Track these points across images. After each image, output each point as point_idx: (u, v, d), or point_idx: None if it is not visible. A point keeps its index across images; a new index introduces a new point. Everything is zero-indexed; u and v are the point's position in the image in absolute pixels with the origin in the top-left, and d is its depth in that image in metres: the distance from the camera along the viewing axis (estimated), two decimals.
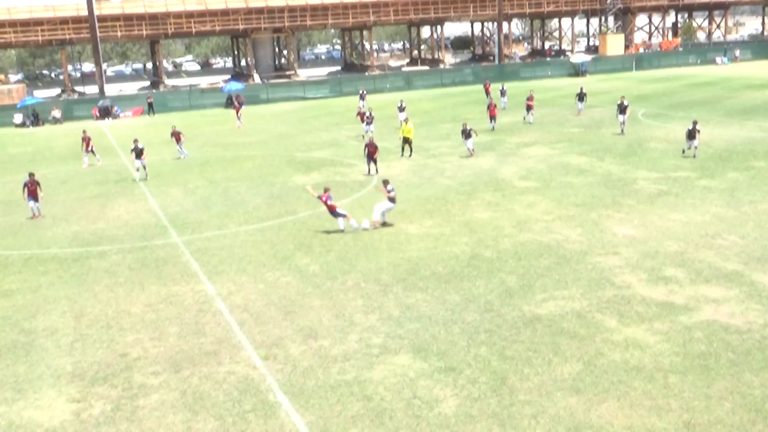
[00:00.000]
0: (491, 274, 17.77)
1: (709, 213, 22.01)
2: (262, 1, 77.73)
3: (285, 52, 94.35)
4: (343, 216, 21.96)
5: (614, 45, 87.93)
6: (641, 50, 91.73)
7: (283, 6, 78.63)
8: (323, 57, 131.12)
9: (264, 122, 51.75)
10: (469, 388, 12.38)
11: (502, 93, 50.21)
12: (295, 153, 37.58)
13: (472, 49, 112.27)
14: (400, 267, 18.66)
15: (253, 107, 62.21)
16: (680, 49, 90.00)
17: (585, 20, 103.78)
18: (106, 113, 59.52)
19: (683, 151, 30.55)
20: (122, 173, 34.52)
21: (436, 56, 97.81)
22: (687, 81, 63.27)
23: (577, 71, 74.84)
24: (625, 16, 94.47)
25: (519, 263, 18.47)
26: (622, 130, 36.58)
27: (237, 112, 49.91)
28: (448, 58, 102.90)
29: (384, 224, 22.34)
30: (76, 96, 76.10)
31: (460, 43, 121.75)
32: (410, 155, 33.98)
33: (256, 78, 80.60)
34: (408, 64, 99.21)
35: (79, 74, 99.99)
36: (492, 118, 40.63)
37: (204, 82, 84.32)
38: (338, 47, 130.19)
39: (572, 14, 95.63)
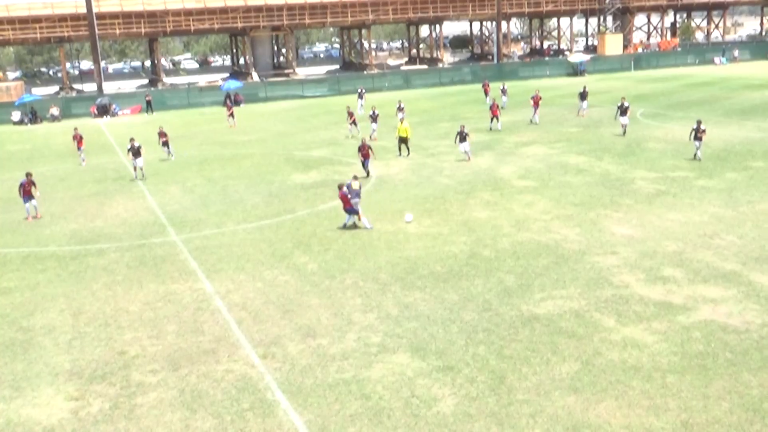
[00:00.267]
0: (489, 274, 17.78)
1: (708, 213, 22.03)
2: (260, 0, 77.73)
3: (284, 50, 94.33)
4: (356, 213, 21.99)
5: (613, 45, 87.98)
6: (640, 50, 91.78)
7: (282, 4, 78.58)
8: (322, 55, 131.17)
9: (262, 121, 51.74)
10: (468, 387, 12.39)
11: (503, 92, 50.16)
12: (293, 151, 37.57)
13: (470, 48, 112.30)
14: (398, 266, 18.67)
15: (252, 105, 62.25)
16: (679, 49, 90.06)
17: (584, 20, 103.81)
18: (104, 111, 59.47)
19: (694, 155, 29.49)
20: (120, 171, 34.49)
21: (434, 55, 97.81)
22: (685, 81, 63.32)
23: (576, 71, 74.87)
24: (623, 16, 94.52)
25: (517, 262, 18.48)
26: (624, 132, 36.18)
27: (230, 111, 49.63)
28: (447, 57, 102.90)
29: (354, 225, 22.34)
30: (74, 94, 76.04)
31: (458, 42, 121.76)
32: (408, 154, 33.99)
33: (255, 76, 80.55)
34: (406, 63, 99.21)
35: (77, 72, 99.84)
36: (495, 118, 40.36)
37: (202, 80, 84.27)
38: (337, 46, 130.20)
39: (571, 14, 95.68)
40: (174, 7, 75.71)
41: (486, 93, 54.29)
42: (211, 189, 29.36)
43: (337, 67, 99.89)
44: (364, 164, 29.68)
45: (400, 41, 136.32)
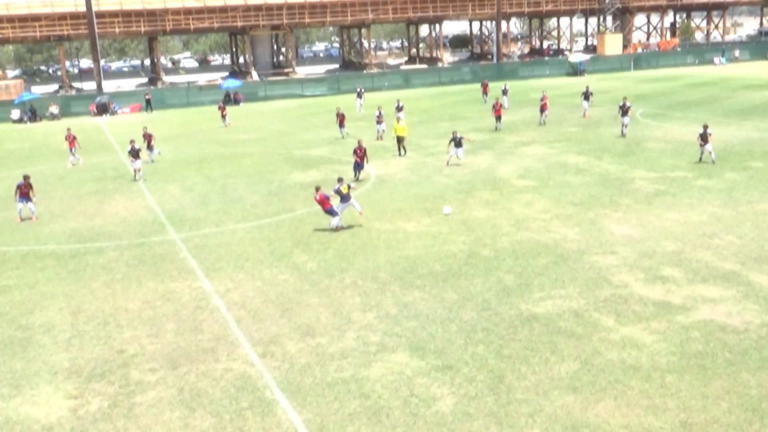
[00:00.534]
0: (489, 273, 17.79)
1: (707, 213, 22.04)
2: None
3: (283, 49, 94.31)
4: (336, 214, 21.88)
5: (612, 45, 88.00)
6: (639, 50, 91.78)
7: (282, 3, 78.57)
8: (321, 55, 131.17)
9: (262, 120, 51.73)
10: (467, 386, 12.39)
11: (504, 92, 50.09)
12: (293, 150, 37.56)
13: (470, 47, 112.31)
14: (397, 265, 18.67)
15: (251, 104, 62.24)
16: (678, 49, 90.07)
17: (583, 20, 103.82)
18: (103, 110, 59.46)
19: (699, 159, 28.91)
20: (120, 170, 34.46)
21: (434, 55, 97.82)
22: (685, 81, 63.35)
23: (576, 71, 74.89)
24: (623, 16, 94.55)
25: (516, 262, 18.48)
26: (624, 133, 35.78)
27: (222, 113, 49.04)
28: (447, 57, 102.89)
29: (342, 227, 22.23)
30: (73, 92, 75.99)
31: (458, 42, 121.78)
32: (404, 153, 33.92)
33: (255, 75, 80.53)
34: (406, 63, 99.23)
35: (77, 70, 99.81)
36: (497, 118, 40.21)
37: (202, 79, 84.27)
38: (336, 45, 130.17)
39: (571, 13, 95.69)
40: (174, 6, 75.69)
41: (485, 93, 54.26)
42: (211, 188, 29.35)
43: (337, 66, 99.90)
44: (357, 167, 28.46)
45: (400, 41, 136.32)
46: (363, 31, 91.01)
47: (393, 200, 25.57)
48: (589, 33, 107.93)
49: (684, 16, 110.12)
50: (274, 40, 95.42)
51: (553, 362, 13.07)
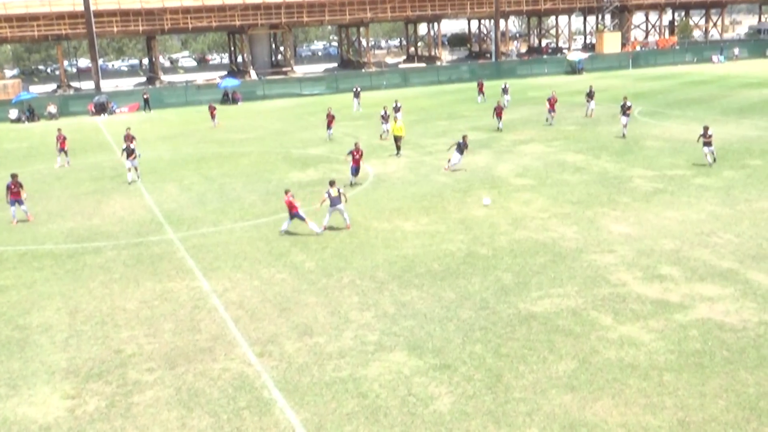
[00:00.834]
0: (487, 272, 17.77)
1: (705, 211, 22.03)
2: None
3: (281, 48, 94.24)
4: (303, 219, 21.31)
5: (611, 43, 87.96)
6: (638, 48, 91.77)
7: (280, 2, 78.52)
8: (320, 53, 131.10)
9: (260, 119, 51.69)
10: (464, 385, 12.38)
11: (505, 91, 49.98)
12: (291, 149, 37.53)
13: (468, 46, 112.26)
14: (395, 264, 18.66)
15: (250, 103, 62.20)
16: (677, 47, 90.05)
17: (582, 18, 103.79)
18: (102, 109, 59.41)
19: (710, 165, 27.82)
20: (118, 169, 34.39)
21: (432, 53, 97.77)
22: (683, 79, 63.35)
23: (574, 69, 74.85)
24: (621, 14, 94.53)
25: (514, 261, 18.47)
26: (624, 134, 35.31)
27: (212, 113, 48.45)
28: (445, 56, 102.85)
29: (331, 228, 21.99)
30: (71, 92, 75.92)
31: (456, 41, 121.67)
32: (398, 153, 33.79)
33: (253, 74, 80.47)
34: (405, 61, 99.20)
35: (75, 70, 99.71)
36: (499, 118, 39.59)
37: (200, 78, 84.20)
38: (335, 44, 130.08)
39: (569, 12, 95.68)
40: (172, 5, 75.61)
41: (480, 92, 54.13)
42: (209, 187, 29.32)
43: (335, 65, 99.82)
44: (354, 170, 27.59)
45: (399, 39, 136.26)
46: (361, 29, 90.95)
47: (391, 199, 25.55)
48: (587, 31, 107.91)
49: (682, 14, 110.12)
50: (272, 39, 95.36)
51: (551, 361, 13.06)
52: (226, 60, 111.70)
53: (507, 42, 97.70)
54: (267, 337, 14.69)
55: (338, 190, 21.58)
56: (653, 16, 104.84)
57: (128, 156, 30.97)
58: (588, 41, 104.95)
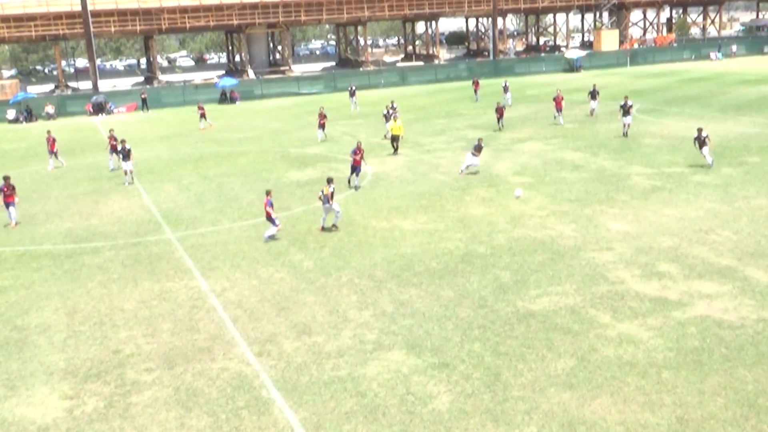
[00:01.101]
0: (485, 270, 17.77)
1: (703, 208, 22.04)
2: None
3: (279, 47, 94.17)
4: (275, 225, 21.02)
5: (609, 40, 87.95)
6: (636, 46, 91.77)
7: (278, 1, 78.45)
8: (318, 52, 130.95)
9: (258, 118, 51.65)
10: (463, 384, 12.38)
11: (505, 89, 49.93)
12: (289, 149, 37.50)
13: (466, 44, 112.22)
14: (394, 263, 18.65)
15: (248, 103, 62.15)
16: (674, 44, 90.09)
17: (579, 16, 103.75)
18: (99, 109, 59.36)
19: (710, 165, 27.13)
20: (116, 170, 34.34)
21: (430, 52, 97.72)
22: (681, 76, 63.35)
23: (572, 67, 74.84)
24: (619, 12, 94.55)
25: (513, 259, 18.47)
26: (625, 133, 34.81)
27: (202, 114, 47.27)
28: (443, 54, 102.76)
29: (324, 228, 21.87)
30: (69, 92, 75.82)
31: (454, 39, 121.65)
32: (394, 153, 33.71)
33: (251, 73, 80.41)
34: (402, 60, 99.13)
35: (72, 70, 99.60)
36: (499, 118, 39.25)
37: (198, 77, 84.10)
38: (333, 43, 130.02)
39: (567, 10, 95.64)
40: (169, 5, 75.50)
41: (475, 91, 54.04)
42: (207, 187, 29.30)
43: (333, 64, 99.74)
44: (354, 170, 26.91)
45: (396, 38, 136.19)
46: (359, 28, 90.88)
47: (389, 198, 25.54)
48: (585, 29, 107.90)
49: (680, 11, 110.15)
50: (270, 38, 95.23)
51: (549, 359, 13.06)
52: (223, 59, 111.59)
53: (505, 40, 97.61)
54: (265, 337, 14.68)
55: (331, 191, 21.22)
56: (651, 14, 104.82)
57: (124, 158, 30.42)
58: (586, 39, 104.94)
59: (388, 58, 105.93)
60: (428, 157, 32.73)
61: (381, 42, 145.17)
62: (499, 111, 39.19)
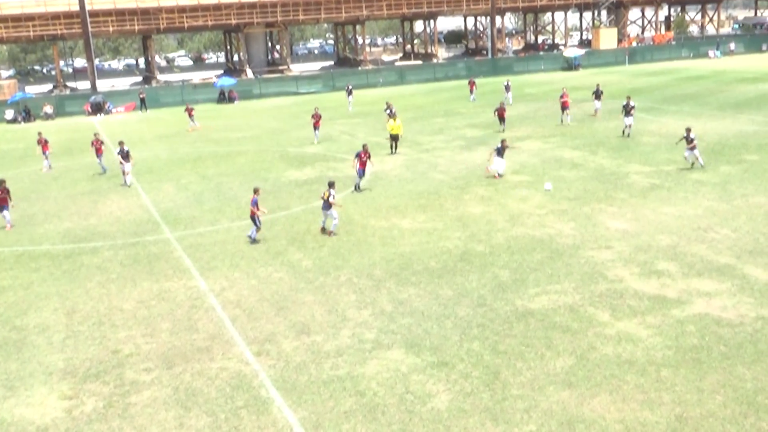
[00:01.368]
0: (484, 269, 17.77)
1: (702, 206, 22.04)
2: None
3: (278, 46, 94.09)
4: (256, 226, 20.84)
5: (607, 39, 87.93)
6: (634, 44, 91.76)
7: (276, 1, 78.38)
8: (316, 52, 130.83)
9: (256, 117, 51.63)
10: (462, 382, 12.38)
11: (507, 88, 49.84)
12: (287, 148, 37.49)
13: (465, 43, 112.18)
14: (392, 262, 18.65)
15: (246, 102, 62.13)
16: (673, 42, 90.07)
17: (578, 14, 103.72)
18: (98, 109, 59.31)
19: (692, 165, 26.92)
20: (114, 169, 34.29)
21: (429, 51, 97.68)
22: (680, 74, 63.35)
23: (570, 65, 74.83)
24: (617, 10, 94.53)
25: (512, 258, 18.47)
26: (628, 134, 34.29)
27: (190, 115, 46.71)
28: (441, 53, 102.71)
29: (323, 230, 21.64)
30: (68, 92, 75.73)
31: (453, 38, 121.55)
32: (393, 152, 33.67)
33: (249, 73, 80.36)
34: (401, 59, 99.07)
35: (71, 70, 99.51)
36: (500, 119, 38.86)
37: (196, 77, 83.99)
38: (331, 42, 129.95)
39: (565, 8, 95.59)
40: (167, 4, 75.41)
41: (471, 91, 53.97)
42: (205, 186, 29.29)
43: (332, 63, 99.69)
44: (360, 172, 26.19)
45: (395, 37, 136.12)
46: (357, 27, 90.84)
47: (388, 197, 25.53)
48: (583, 27, 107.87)
49: (678, 9, 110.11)
50: (268, 38, 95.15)
51: (548, 358, 13.07)
52: (222, 59, 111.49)
53: (503, 39, 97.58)
54: (264, 336, 14.68)
55: (330, 195, 20.97)
56: (649, 12, 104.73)
57: (124, 159, 30.17)
58: (584, 37, 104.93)
59: (386, 57, 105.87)
60: (427, 156, 32.72)
61: (379, 41, 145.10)
62: (500, 112, 38.52)
